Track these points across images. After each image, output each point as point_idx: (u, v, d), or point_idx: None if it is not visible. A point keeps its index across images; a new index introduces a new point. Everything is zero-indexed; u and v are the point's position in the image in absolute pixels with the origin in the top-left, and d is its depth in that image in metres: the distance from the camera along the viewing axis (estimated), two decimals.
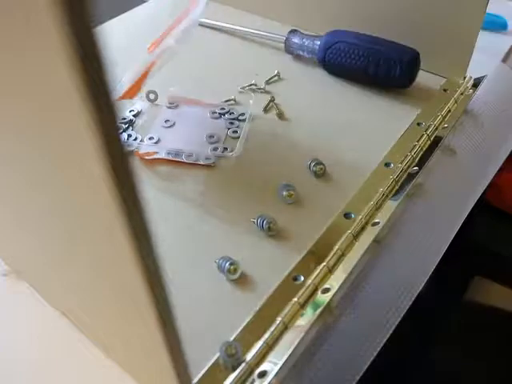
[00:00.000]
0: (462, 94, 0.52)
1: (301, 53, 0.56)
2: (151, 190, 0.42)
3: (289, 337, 0.32)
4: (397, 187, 0.42)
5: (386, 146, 0.46)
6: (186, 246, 0.38)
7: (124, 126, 0.47)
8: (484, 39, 0.50)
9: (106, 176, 0.14)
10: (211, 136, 0.46)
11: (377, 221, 0.39)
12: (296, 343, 0.31)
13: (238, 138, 0.46)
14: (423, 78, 0.52)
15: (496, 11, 0.63)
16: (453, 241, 0.40)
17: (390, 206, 0.40)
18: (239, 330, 0.32)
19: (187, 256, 0.37)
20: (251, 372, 0.30)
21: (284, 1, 0.61)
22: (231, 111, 0.49)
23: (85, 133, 0.13)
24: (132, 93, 0.42)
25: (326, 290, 0.34)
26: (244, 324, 0.32)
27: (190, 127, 0.48)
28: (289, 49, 0.57)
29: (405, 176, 0.43)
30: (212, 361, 0.30)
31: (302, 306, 0.33)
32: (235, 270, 0.35)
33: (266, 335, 0.31)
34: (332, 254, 0.36)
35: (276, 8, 0.62)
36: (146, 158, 0.44)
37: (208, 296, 0.34)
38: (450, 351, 0.66)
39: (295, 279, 0.35)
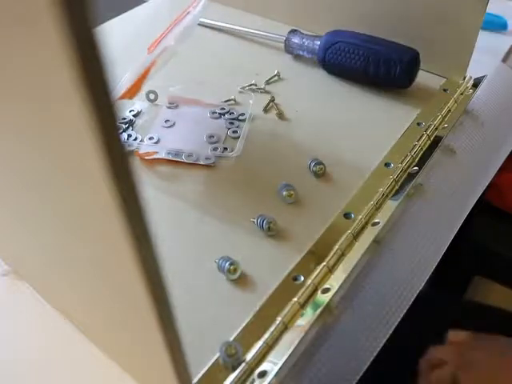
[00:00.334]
0: (461, 93, 0.52)
1: (301, 53, 0.56)
2: (151, 190, 0.42)
3: (289, 337, 0.32)
4: (397, 187, 0.42)
5: (386, 145, 0.46)
6: (185, 246, 0.38)
7: (124, 126, 0.47)
8: (484, 39, 0.50)
9: (105, 176, 0.14)
10: (211, 136, 0.46)
11: (377, 221, 0.39)
12: (296, 343, 0.31)
13: (238, 138, 0.46)
14: (423, 77, 0.52)
15: (496, 11, 0.64)
16: (453, 241, 0.40)
17: (390, 205, 0.40)
18: (239, 330, 0.32)
19: (187, 256, 0.37)
20: (251, 372, 0.30)
21: (284, 1, 0.61)
22: (231, 111, 0.49)
23: (85, 133, 0.13)
24: (132, 93, 0.42)
25: (326, 290, 0.34)
26: (244, 324, 0.32)
27: (190, 127, 0.48)
28: (289, 49, 0.57)
29: (405, 176, 0.43)
30: (212, 361, 0.30)
31: (302, 305, 0.33)
32: (235, 270, 0.35)
33: (266, 335, 0.31)
34: (332, 253, 0.36)
35: (276, 8, 0.62)
36: (146, 158, 0.44)
37: (208, 296, 0.34)
38: None
39: (295, 279, 0.35)
